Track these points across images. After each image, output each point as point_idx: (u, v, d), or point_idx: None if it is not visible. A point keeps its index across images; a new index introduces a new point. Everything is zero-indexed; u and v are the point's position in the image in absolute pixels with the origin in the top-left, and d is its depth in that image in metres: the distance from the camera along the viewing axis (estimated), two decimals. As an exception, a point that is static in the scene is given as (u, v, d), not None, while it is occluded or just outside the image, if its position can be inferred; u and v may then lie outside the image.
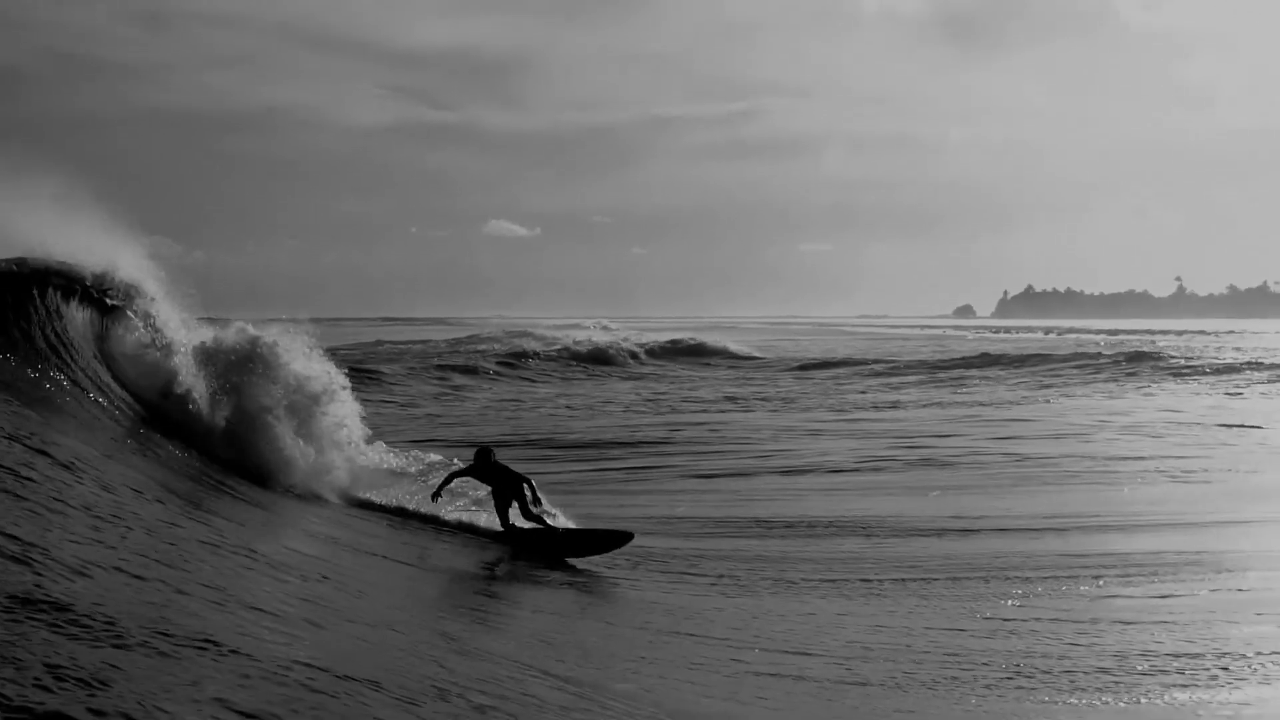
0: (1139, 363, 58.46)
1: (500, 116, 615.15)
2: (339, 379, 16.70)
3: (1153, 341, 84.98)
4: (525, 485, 14.78)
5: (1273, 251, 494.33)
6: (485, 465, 14.95)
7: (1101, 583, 12.88)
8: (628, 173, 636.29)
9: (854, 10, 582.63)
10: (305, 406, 16.04)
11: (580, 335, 77.76)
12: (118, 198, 16.18)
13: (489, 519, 15.44)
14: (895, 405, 39.27)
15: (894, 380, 52.41)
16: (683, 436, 28.92)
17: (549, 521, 15.00)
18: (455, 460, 17.28)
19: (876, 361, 64.87)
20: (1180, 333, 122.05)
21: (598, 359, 63.41)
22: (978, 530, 16.36)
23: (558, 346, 66.62)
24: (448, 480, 15.29)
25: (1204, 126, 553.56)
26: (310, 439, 15.86)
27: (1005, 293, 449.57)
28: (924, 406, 38.69)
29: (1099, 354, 64.96)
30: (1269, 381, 47.15)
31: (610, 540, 14.77)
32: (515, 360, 58.85)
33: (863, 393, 45.13)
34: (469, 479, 15.37)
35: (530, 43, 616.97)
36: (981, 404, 39.20)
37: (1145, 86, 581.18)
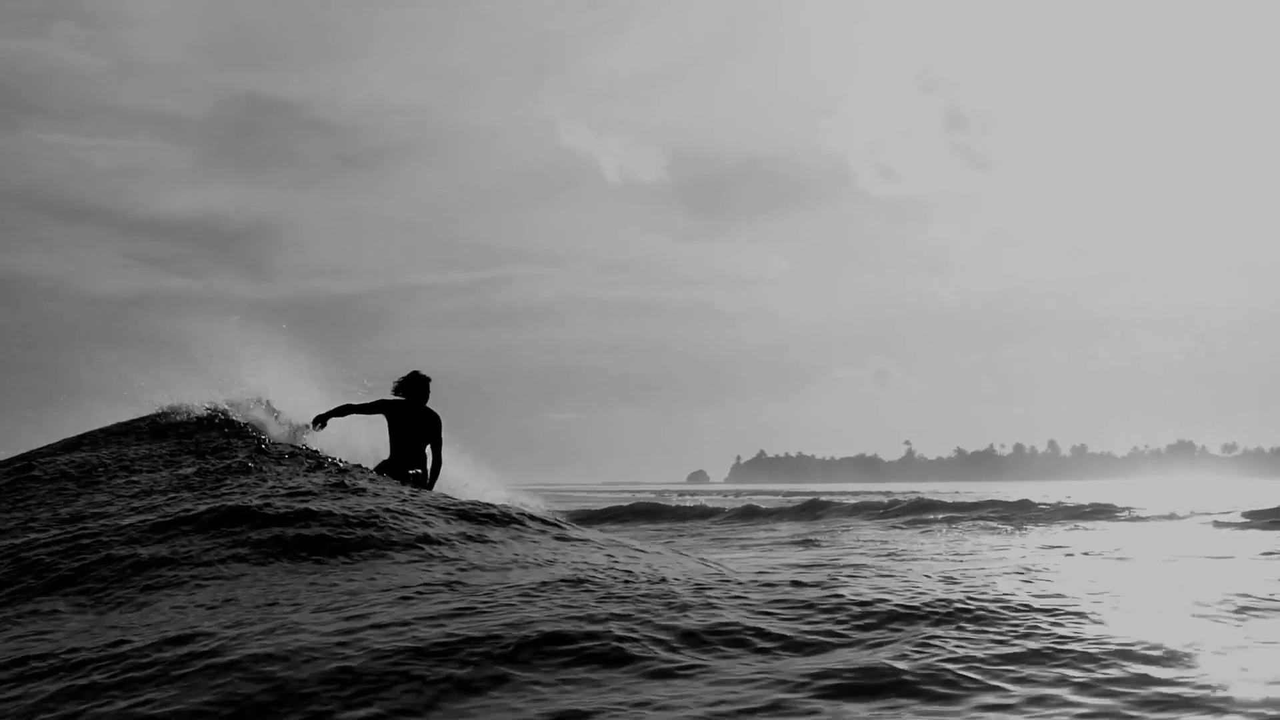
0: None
1: (245, 285, 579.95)
2: None
3: (816, 497, 67.33)
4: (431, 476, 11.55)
5: (1000, 414, 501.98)
6: (415, 407, 11.29)
7: None
8: (375, 340, 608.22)
9: (596, 179, 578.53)
10: None
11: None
12: None
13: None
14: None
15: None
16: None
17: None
18: None
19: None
20: (866, 493, 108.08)
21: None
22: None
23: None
24: (342, 411, 11.72)
25: (941, 291, 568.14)
26: None
27: (738, 458, 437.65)
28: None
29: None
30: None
31: None
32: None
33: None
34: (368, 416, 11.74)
35: (274, 211, 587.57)
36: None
37: (885, 253, 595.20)
